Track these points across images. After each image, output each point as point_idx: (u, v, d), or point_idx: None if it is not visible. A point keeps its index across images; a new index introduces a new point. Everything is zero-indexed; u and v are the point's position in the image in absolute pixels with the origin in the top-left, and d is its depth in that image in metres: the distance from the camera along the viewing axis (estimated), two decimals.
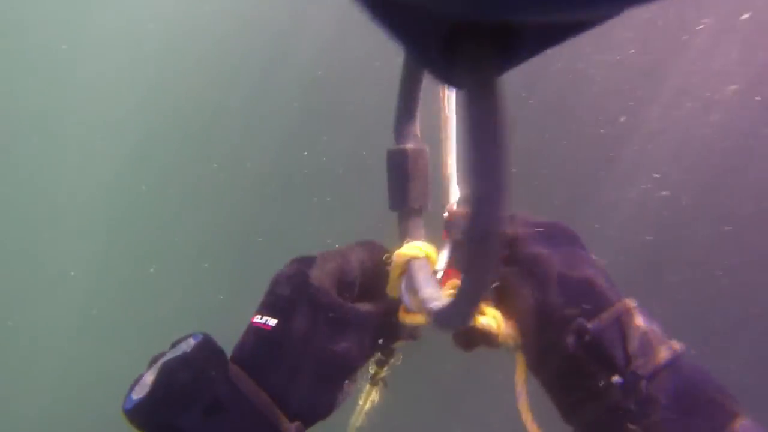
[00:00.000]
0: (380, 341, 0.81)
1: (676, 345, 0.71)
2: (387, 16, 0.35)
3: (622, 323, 0.71)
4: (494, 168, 0.36)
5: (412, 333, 0.85)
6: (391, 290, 0.84)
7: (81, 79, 6.74)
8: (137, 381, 0.75)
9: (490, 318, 0.77)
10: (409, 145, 0.80)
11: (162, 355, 0.78)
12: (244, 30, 5.68)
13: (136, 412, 0.71)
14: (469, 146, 0.36)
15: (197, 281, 5.95)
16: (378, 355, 0.92)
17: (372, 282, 0.85)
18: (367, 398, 1.00)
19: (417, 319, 0.82)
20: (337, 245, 0.88)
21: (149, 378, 0.73)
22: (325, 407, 0.79)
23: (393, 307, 0.83)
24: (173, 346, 0.79)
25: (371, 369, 0.95)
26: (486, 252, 0.40)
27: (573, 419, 0.74)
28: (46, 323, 6.96)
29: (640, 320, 0.72)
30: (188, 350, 0.75)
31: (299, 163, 5.18)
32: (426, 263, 0.76)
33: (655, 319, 0.74)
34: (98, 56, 6.70)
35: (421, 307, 0.66)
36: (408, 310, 0.82)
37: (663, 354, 0.69)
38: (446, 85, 0.39)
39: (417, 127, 0.80)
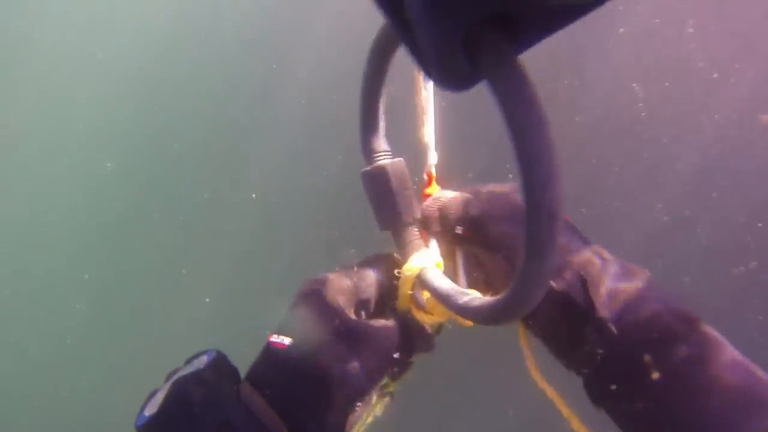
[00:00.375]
0: (396, 356, 0.81)
1: (639, 280, 0.74)
2: (419, 27, 0.39)
3: (585, 275, 0.74)
4: (544, 148, 0.38)
5: (428, 345, 0.85)
6: (401, 304, 0.85)
7: (76, 80, 6.63)
8: (151, 396, 0.75)
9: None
10: (386, 161, 0.80)
11: (177, 370, 0.78)
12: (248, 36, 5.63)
13: (148, 429, 0.71)
14: (512, 129, 0.38)
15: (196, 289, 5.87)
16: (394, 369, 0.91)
17: (389, 297, 0.85)
18: (372, 411, 1.00)
19: (433, 318, 0.84)
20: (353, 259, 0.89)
21: (161, 395, 0.73)
22: (335, 430, 0.78)
23: (408, 319, 0.83)
24: (188, 362, 0.79)
25: (383, 381, 0.94)
26: (553, 231, 0.41)
27: (572, 368, 0.79)
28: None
29: (601, 266, 0.75)
30: (201, 367, 0.75)
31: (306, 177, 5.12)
32: (439, 270, 0.78)
33: (618, 258, 0.77)
34: (102, 56, 6.58)
35: (449, 310, 0.69)
36: (420, 308, 0.85)
37: (627, 291, 0.73)
38: (463, 87, 0.44)
39: (385, 141, 0.80)
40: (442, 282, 0.74)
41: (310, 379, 0.75)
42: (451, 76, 0.43)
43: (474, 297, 0.67)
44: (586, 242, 0.79)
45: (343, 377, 0.75)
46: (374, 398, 0.97)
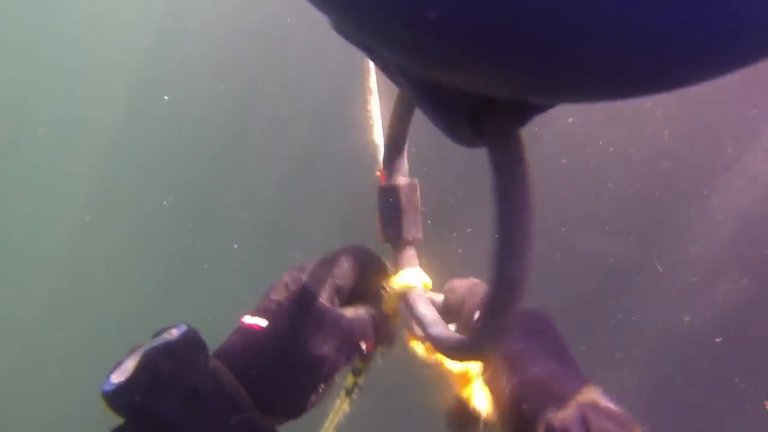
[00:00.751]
0: (362, 345, 0.84)
1: (638, 430, 0.75)
2: (426, 98, 0.43)
3: (585, 414, 0.75)
4: (522, 225, 0.42)
5: (391, 338, 0.88)
6: (388, 306, 0.89)
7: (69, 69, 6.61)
8: (117, 366, 0.76)
9: (484, 400, 0.83)
10: (401, 181, 0.85)
11: (141, 345, 0.78)
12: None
13: (116, 396, 0.72)
14: (498, 200, 0.42)
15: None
16: (357, 362, 0.94)
17: (361, 286, 0.89)
18: (339, 410, 1.01)
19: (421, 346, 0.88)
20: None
21: (130, 363, 0.74)
22: (297, 408, 0.81)
23: (378, 314, 0.87)
24: (156, 335, 0.80)
25: (348, 380, 0.96)
26: (513, 299, 0.45)
27: None
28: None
29: (602, 409, 0.76)
30: (172, 339, 0.77)
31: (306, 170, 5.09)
32: (423, 292, 0.83)
33: (618, 405, 0.79)
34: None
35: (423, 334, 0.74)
36: (412, 334, 0.89)
37: None
38: (468, 147, 0.48)
39: (406, 163, 0.86)
40: (422, 305, 0.80)
41: (280, 359, 0.79)
42: (459, 140, 0.48)
43: (445, 329, 0.72)
44: (584, 378, 0.82)
45: (311, 360, 0.80)
46: (340, 398, 1.00)
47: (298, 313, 0.81)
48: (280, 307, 0.83)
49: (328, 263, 0.88)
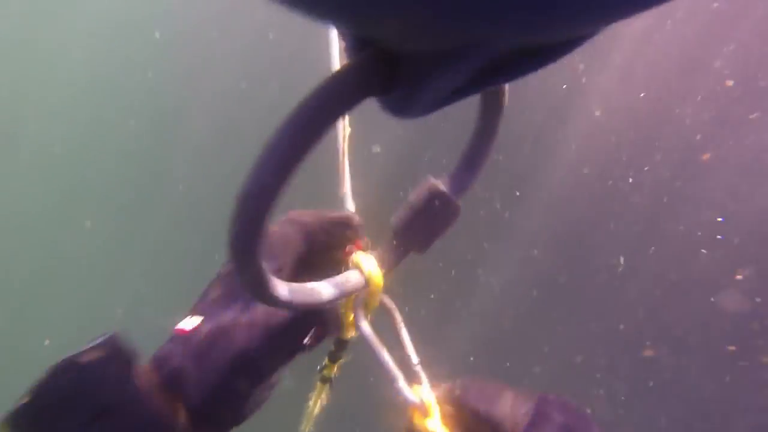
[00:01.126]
0: (306, 340, 0.76)
1: None
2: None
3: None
4: (280, 156, 0.38)
5: (335, 325, 0.81)
6: None
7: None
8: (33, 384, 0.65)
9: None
10: (427, 181, 0.75)
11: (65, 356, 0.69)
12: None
13: (12, 421, 0.62)
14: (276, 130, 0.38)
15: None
16: (331, 348, 0.87)
17: (312, 260, 0.82)
18: (317, 400, 0.93)
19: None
20: None
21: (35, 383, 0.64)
22: (232, 413, 0.73)
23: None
24: (87, 344, 0.69)
25: (324, 363, 0.89)
26: (245, 208, 0.40)
27: None
28: None
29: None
30: (81, 351, 0.66)
31: None
32: (358, 280, 0.72)
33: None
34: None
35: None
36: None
37: None
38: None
39: (470, 183, 0.73)
40: (339, 279, 0.70)
41: (208, 358, 0.71)
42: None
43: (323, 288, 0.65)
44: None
45: (242, 357, 0.71)
46: (317, 386, 0.92)
47: (228, 309, 0.74)
48: (213, 304, 0.75)
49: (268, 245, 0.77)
